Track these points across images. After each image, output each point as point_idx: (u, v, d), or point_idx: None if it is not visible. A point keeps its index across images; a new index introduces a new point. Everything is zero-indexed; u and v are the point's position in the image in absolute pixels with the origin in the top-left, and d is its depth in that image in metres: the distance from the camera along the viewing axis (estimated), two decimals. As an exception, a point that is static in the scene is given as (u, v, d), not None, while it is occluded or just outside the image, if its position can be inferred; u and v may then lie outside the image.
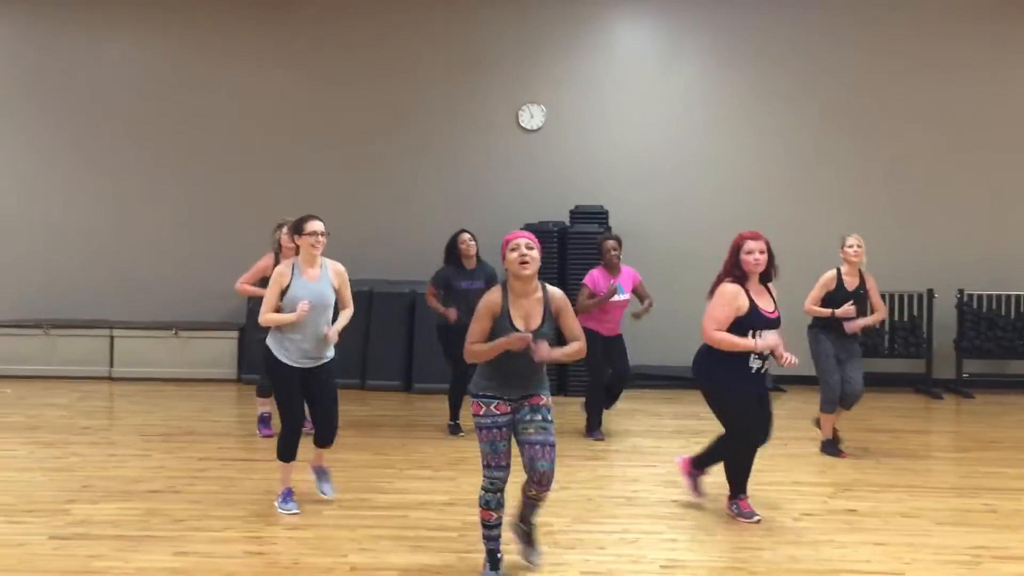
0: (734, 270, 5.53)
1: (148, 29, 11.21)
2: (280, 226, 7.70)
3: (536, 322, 4.50)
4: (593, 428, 7.91)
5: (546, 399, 4.57)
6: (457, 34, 10.96)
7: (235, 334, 10.56)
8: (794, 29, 10.78)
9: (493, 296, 4.52)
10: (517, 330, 4.43)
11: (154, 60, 11.20)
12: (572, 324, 4.60)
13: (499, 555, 4.67)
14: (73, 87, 11.24)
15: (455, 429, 8.00)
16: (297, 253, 5.96)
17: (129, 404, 9.28)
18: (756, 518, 5.65)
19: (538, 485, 4.55)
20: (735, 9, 10.79)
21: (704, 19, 10.86)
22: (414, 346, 10.15)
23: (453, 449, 7.45)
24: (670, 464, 7.11)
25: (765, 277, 5.59)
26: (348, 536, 5.30)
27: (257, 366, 10.09)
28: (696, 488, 6.01)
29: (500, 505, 4.56)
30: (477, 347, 4.47)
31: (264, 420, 7.85)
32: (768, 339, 5.41)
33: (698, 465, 5.99)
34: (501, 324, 4.44)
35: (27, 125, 11.32)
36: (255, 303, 9.60)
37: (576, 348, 4.57)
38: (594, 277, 7.78)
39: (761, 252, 5.49)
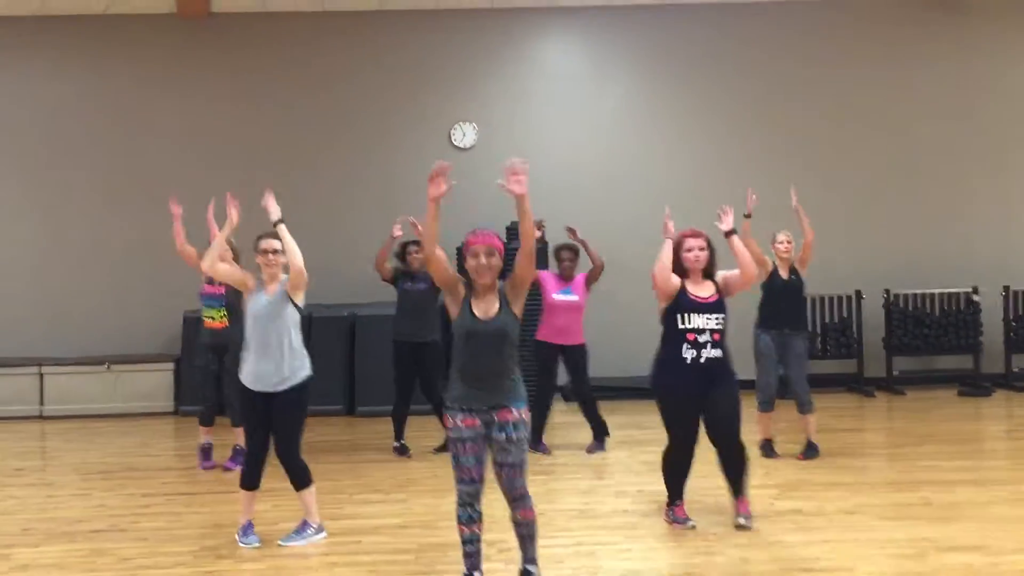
0: (677, 267, 5.66)
1: (78, 59, 10.97)
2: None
3: (494, 311, 4.47)
4: (535, 441, 7.95)
5: (516, 413, 4.46)
6: (388, 54, 10.96)
7: (171, 366, 10.35)
8: (721, 42, 11.03)
9: (462, 288, 4.51)
10: (477, 319, 4.43)
11: (83, 89, 10.96)
12: (521, 253, 4.46)
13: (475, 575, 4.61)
14: (1, 117, 10.95)
15: (402, 450, 7.97)
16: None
17: (63, 443, 9.04)
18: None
19: (511, 501, 4.57)
20: (663, 24, 11.00)
21: (633, 35, 11.05)
22: (355, 369, 10.07)
23: (401, 471, 7.42)
24: (619, 475, 7.20)
25: (708, 273, 5.68)
26: (303, 565, 5.24)
27: (195, 397, 10.03)
28: (679, 520, 5.79)
29: (472, 520, 4.53)
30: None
31: (205, 451, 7.70)
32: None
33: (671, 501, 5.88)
34: (463, 313, 4.46)
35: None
36: (191, 332, 9.51)
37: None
38: (545, 276, 7.89)
39: (701, 249, 5.62)
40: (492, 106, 11.00)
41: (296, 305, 5.56)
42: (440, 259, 4.48)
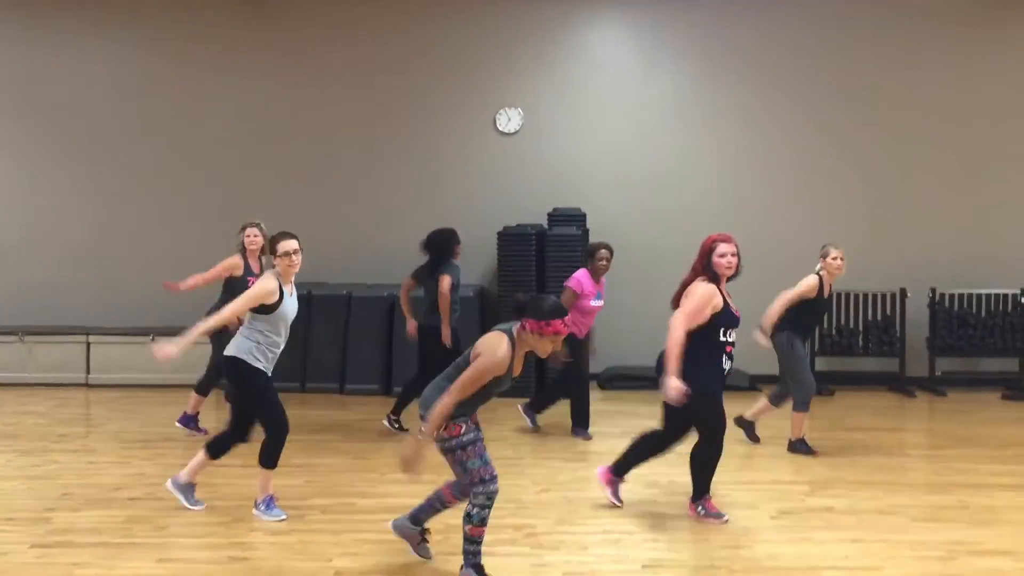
0: (705, 272, 5.58)
1: (131, 33, 11.12)
2: (243, 228, 7.89)
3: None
4: (581, 427, 8.01)
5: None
6: (439, 35, 10.97)
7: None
8: (772, 34, 10.85)
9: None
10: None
11: (133, 63, 11.12)
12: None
13: None
14: (51, 89, 11.13)
15: (395, 424, 8.08)
16: (262, 253, 6.63)
17: (106, 411, 9.24)
18: (725, 518, 5.70)
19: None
20: (714, 14, 10.84)
21: (683, 24, 10.90)
22: (393, 349, 10.15)
23: (432, 453, 7.45)
24: (650, 465, 7.17)
25: (731, 278, 5.65)
26: (332, 541, 5.32)
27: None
28: (616, 495, 6.00)
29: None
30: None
31: (193, 419, 8.01)
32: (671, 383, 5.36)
33: (618, 472, 6.02)
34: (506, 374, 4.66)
35: (3, 128, 11.19)
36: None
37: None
38: (579, 280, 7.75)
39: (733, 255, 5.55)
40: (539, 93, 10.96)
41: None
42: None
